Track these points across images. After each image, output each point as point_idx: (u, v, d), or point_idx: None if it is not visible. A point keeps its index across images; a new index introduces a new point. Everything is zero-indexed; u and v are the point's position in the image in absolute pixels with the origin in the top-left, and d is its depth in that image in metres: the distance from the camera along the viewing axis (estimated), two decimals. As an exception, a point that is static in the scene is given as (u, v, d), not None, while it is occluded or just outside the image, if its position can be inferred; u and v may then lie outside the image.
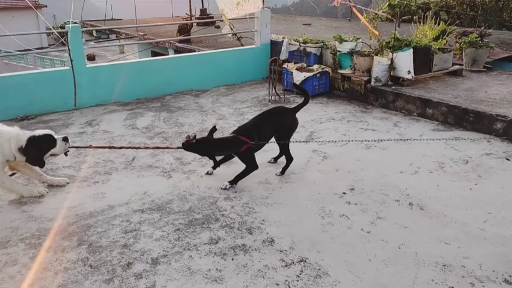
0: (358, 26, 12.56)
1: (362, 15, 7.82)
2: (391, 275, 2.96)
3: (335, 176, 4.41)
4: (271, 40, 8.43)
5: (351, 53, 7.15)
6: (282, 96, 7.10)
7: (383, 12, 7.73)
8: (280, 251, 3.20)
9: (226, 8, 9.49)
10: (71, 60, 6.47)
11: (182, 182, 4.28)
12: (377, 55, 6.81)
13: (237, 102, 6.97)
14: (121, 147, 4.79)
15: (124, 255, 3.15)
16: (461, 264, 3.04)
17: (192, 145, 4.00)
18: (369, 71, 6.91)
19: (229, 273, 2.96)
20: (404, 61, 6.61)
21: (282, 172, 4.45)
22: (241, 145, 4.08)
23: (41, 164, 3.95)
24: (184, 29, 11.70)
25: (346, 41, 7.19)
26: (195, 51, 9.65)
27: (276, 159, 4.74)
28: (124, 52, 21.14)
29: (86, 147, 4.84)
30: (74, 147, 4.51)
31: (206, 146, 4.04)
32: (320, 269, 3.01)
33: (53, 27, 6.71)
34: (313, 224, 3.55)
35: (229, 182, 4.16)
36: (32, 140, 3.83)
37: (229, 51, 8.45)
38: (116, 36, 18.56)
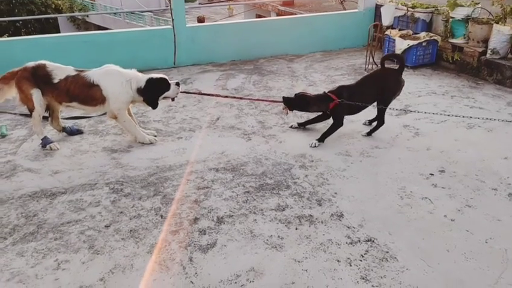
0: (484, -10, 11.09)
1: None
2: (470, 270, 2.63)
3: (425, 155, 4.01)
4: (376, 4, 7.81)
5: (467, 20, 6.33)
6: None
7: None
8: (348, 227, 3.03)
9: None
10: (173, 20, 6.72)
11: (260, 146, 4.25)
12: (497, 23, 5.94)
13: (331, 70, 6.66)
14: (226, 96, 5.07)
15: (192, 210, 3.25)
16: (562, 271, 2.59)
17: (291, 100, 4.33)
18: (485, 41, 6.08)
19: (290, 242, 2.89)
20: (532, 31, 5.68)
21: (369, 133, 4.39)
22: (329, 102, 4.21)
23: (155, 105, 4.21)
24: (288, -8, 11.44)
25: (461, 5, 6.37)
26: (295, 14, 9.38)
27: (371, 121, 4.62)
28: (232, 15, 21.59)
29: (196, 93, 5.06)
30: (184, 92, 4.73)
31: (302, 101, 4.29)
32: (387, 252, 2.78)
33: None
34: (390, 204, 3.29)
35: (317, 139, 4.24)
36: (150, 81, 4.12)
37: (328, 15, 8.03)
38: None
